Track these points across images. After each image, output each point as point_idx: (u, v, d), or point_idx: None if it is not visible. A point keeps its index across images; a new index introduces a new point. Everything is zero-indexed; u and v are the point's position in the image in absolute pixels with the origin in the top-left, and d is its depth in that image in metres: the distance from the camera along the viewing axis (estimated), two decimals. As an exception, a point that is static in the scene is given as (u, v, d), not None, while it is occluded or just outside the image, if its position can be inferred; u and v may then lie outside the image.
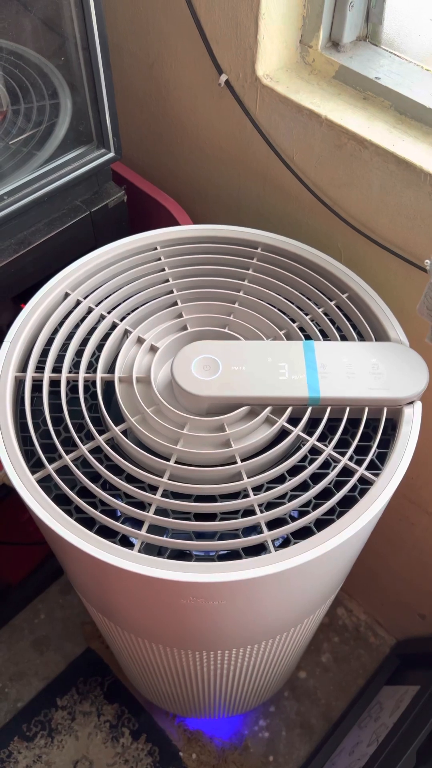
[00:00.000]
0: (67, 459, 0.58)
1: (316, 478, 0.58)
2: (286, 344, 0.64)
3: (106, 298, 0.70)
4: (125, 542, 0.55)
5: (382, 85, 0.69)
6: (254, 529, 0.56)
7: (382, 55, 0.72)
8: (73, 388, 0.63)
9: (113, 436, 0.60)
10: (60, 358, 0.65)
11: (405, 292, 0.75)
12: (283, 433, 0.61)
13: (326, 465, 0.59)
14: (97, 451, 0.60)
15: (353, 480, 0.57)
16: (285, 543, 0.55)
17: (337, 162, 0.72)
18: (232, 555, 0.55)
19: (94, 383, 0.63)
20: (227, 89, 0.78)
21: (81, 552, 0.54)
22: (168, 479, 0.57)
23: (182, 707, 1.11)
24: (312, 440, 0.59)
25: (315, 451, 0.60)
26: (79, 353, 0.66)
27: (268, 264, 0.72)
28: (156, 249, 0.74)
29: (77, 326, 0.68)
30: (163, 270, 0.72)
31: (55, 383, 0.64)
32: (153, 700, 1.22)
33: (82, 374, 0.63)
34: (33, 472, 0.58)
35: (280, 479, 0.58)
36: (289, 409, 0.60)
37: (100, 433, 0.60)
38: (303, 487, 0.58)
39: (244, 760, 1.26)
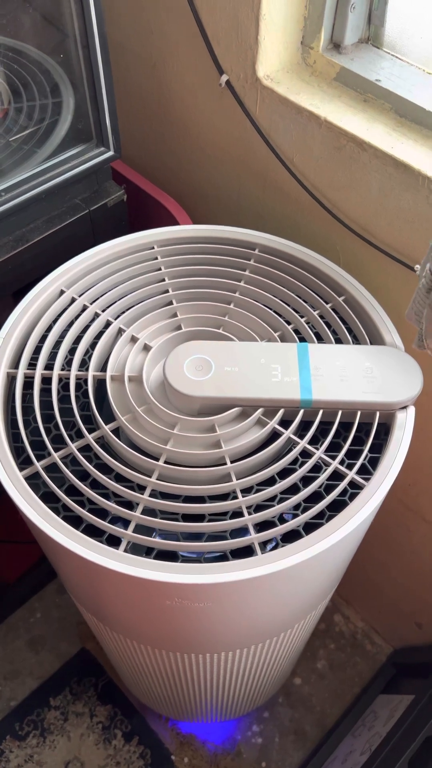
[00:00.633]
0: (56, 456, 0.58)
1: (306, 481, 0.58)
2: (280, 346, 0.63)
3: (101, 296, 0.69)
4: (113, 542, 0.55)
5: (383, 88, 0.69)
6: (243, 531, 0.56)
7: (383, 57, 0.72)
8: (65, 385, 0.63)
9: (103, 434, 0.60)
10: (53, 356, 0.65)
11: (402, 296, 0.74)
12: (274, 435, 0.60)
13: (317, 468, 0.59)
14: (86, 449, 0.59)
15: (343, 484, 0.57)
16: (275, 546, 0.55)
17: (336, 164, 0.72)
18: (221, 557, 0.55)
19: (85, 381, 0.63)
20: (228, 90, 0.78)
21: (67, 551, 0.53)
22: (157, 479, 0.57)
23: (175, 710, 1.10)
24: (303, 443, 0.59)
25: (306, 454, 0.59)
26: (72, 351, 0.66)
27: (265, 265, 0.72)
28: (153, 248, 0.73)
29: (71, 324, 0.67)
30: (160, 269, 0.72)
31: (46, 380, 0.63)
32: (146, 702, 1.22)
33: (74, 372, 0.63)
34: (21, 469, 0.58)
35: (269, 481, 0.58)
36: (281, 411, 0.60)
37: (90, 431, 0.60)
38: (293, 490, 0.57)
39: (237, 765, 1.25)
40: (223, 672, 0.80)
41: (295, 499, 0.56)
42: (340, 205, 0.75)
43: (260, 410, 0.60)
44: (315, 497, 0.57)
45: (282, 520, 0.57)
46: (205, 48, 0.77)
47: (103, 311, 0.68)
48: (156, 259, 0.73)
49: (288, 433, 0.59)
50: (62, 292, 0.69)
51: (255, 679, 0.91)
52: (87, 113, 0.76)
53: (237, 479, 0.57)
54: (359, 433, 0.61)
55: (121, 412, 0.60)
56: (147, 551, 0.55)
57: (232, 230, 0.74)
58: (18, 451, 0.60)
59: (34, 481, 0.58)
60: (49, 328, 0.67)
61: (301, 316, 0.68)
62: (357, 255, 0.77)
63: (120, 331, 0.67)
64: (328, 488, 0.57)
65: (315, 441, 0.60)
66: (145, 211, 0.90)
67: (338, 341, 0.67)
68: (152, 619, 0.64)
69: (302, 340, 0.66)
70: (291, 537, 0.55)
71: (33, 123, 0.79)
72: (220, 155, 0.87)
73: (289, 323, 0.68)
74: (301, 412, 0.60)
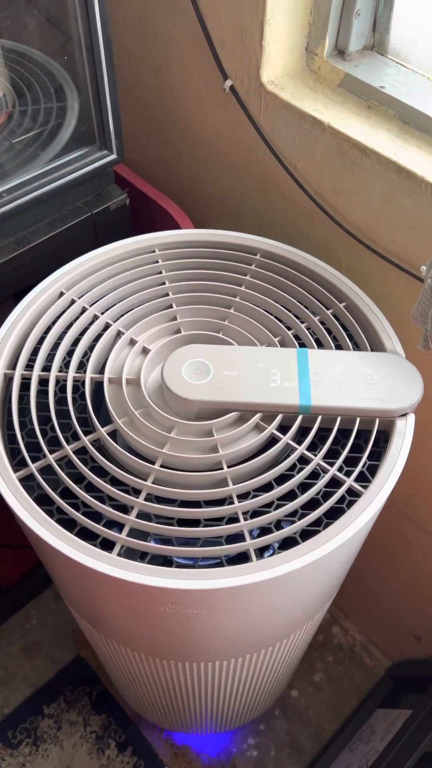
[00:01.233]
0: (51, 458, 0.57)
1: (303, 487, 0.57)
2: (279, 351, 0.63)
3: (100, 298, 0.69)
4: (107, 546, 0.54)
5: (387, 94, 0.69)
6: (238, 537, 0.55)
7: (387, 64, 0.72)
8: (62, 387, 0.63)
9: (99, 437, 0.59)
10: (50, 357, 0.65)
11: (404, 302, 0.74)
12: (272, 441, 0.60)
13: (315, 475, 0.58)
14: (82, 451, 0.59)
15: (341, 491, 0.56)
16: (271, 553, 0.54)
17: (339, 170, 0.72)
18: (216, 563, 0.54)
19: (83, 383, 0.62)
20: (232, 95, 0.78)
21: (60, 554, 0.53)
22: (152, 483, 0.56)
23: (169, 720, 1.09)
24: (301, 449, 0.58)
25: (304, 461, 0.58)
26: (70, 353, 0.65)
27: (266, 270, 0.72)
28: (154, 251, 0.73)
29: (70, 325, 0.67)
30: (160, 273, 0.71)
31: (44, 382, 0.63)
32: (140, 711, 1.20)
33: (71, 373, 0.63)
34: (16, 471, 0.57)
35: (266, 487, 0.57)
36: (279, 417, 0.59)
37: (87, 433, 0.59)
38: (290, 496, 0.57)
39: (231, 778, 1.23)
40: (218, 682, 0.79)
41: (292, 506, 0.55)
42: (342, 210, 0.75)
43: (258, 415, 0.59)
44: (312, 504, 0.56)
45: (278, 526, 0.56)
46: (210, 53, 0.77)
47: (103, 313, 0.68)
48: (157, 262, 0.72)
49: (286, 439, 0.58)
50: (62, 294, 0.69)
51: (251, 689, 0.89)
52: (91, 116, 0.76)
53: (233, 484, 0.56)
54: (358, 440, 0.60)
55: (117, 415, 0.60)
56: (141, 556, 0.54)
57: (234, 235, 0.74)
58: (13, 453, 0.59)
59: (28, 483, 0.57)
60: (47, 330, 0.67)
61: (302, 322, 0.68)
62: (359, 261, 0.77)
63: (119, 334, 0.66)
64: (326, 495, 0.56)
65: (313, 447, 0.59)
66: (148, 215, 0.90)
67: (339, 347, 0.66)
68: (146, 626, 0.63)
69: (302, 345, 0.66)
70: (287, 544, 0.54)
71: (37, 126, 0.79)
72: (223, 160, 0.87)
73: (289, 328, 0.67)
74: (300, 417, 0.59)
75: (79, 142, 0.78)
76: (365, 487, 0.56)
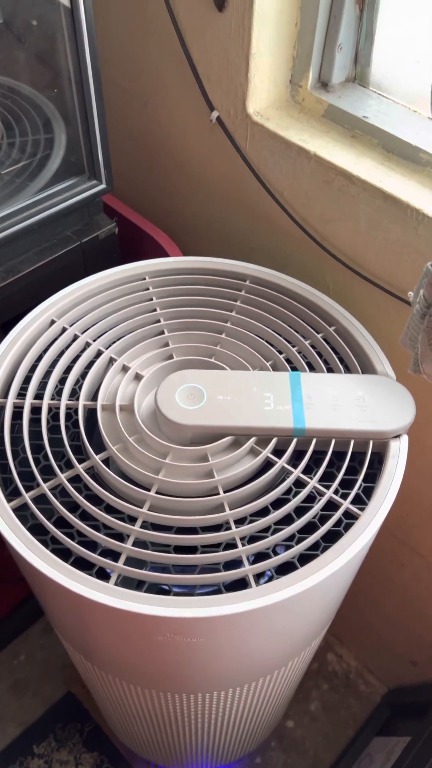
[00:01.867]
0: (45, 487, 0.56)
1: (300, 511, 0.57)
2: (272, 375, 0.63)
3: (92, 326, 0.69)
4: (103, 575, 0.53)
5: (370, 124, 0.71)
6: (236, 563, 0.54)
7: (369, 95, 0.74)
8: (54, 415, 0.62)
9: (93, 464, 0.58)
10: (42, 385, 0.64)
11: (393, 326, 0.75)
12: (267, 465, 0.60)
13: (311, 498, 0.58)
14: (76, 480, 0.58)
15: (338, 514, 0.56)
16: (270, 578, 0.53)
17: (325, 197, 0.73)
18: (214, 590, 0.53)
19: (76, 411, 0.62)
20: (218, 125, 0.79)
21: (55, 584, 0.52)
22: (148, 510, 0.56)
23: (164, 756, 1.06)
24: (297, 472, 0.58)
25: (300, 484, 0.58)
26: (62, 380, 0.65)
27: (256, 296, 0.72)
28: (144, 279, 0.74)
29: (62, 353, 0.67)
30: (151, 300, 0.72)
31: (36, 410, 0.63)
32: (133, 747, 1.17)
33: (64, 401, 0.62)
34: (9, 500, 0.56)
35: (263, 512, 0.57)
36: (274, 440, 0.59)
37: (81, 461, 0.59)
38: (287, 520, 0.56)
39: None
40: (215, 713, 0.77)
41: (289, 530, 0.55)
42: (329, 237, 0.76)
43: (253, 439, 0.59)
44: (309, 528, 0.56)
45: (274, 551, 0.55)
46: (196, 85, 0.78)
47: (95, 340, 0.68)
48: (147, 289, 0.73)
49: (281, 462, 0.58)
50: (53, 322, 0.69)
51: (247, 720, 0.88)
52: (79, 147, 0.77)
53: (230, 509, 0.56)
54: (353, 462, 0.60)
55: (111, 442, 0.59)
56: (138, 584, 0.53)
57: (224, 262, 0.75)
58: (6, 483, 0.58)
59: (22, 512, 0.56)
60: (39, 358, 0.66)
61: (293, 346, 0.68)
62: (347, 286, 0.78)
63: (111, 361, 0.66)
64: (323, 518, 0.56)
65: (309, 470, 0.59)
66: (136, 244, 0.91)
67: (330, 370, 0.67)
68: (143, 657, 0.62)
69: (294, 369, 0.66)
70: (286, 569, 0.53)
71: (25, 157, 0.80)
72: (210, 189, 0.88)
73: (281, 352, 0.67)
74: (294, 441, 0.59)
75: (68, 173, 0.79)
76: (362, 509, 0.56)
